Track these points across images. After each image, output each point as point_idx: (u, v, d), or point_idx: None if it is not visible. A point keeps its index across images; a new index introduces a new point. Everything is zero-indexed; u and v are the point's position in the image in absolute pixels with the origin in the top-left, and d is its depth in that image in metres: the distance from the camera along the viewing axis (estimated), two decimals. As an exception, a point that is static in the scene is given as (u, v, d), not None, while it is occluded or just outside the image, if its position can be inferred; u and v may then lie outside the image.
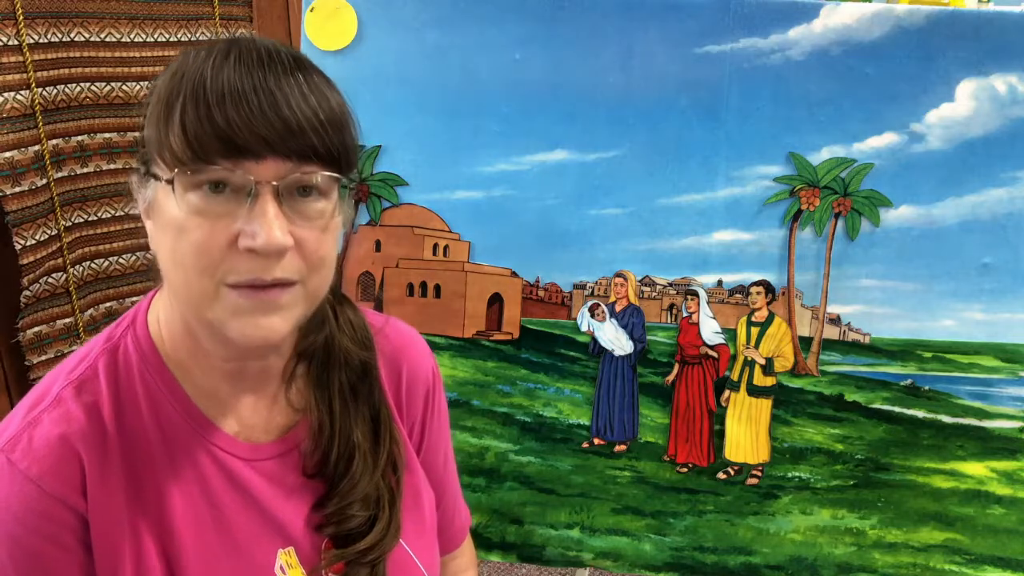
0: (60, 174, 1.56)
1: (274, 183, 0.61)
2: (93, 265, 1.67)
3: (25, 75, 1.45)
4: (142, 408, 0.70)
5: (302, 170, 0.62)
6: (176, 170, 0.61)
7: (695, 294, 1.24)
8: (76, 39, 1.54)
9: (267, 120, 0.60)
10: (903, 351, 1.22)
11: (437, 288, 1.26)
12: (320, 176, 0.63)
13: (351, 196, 0.70)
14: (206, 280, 0.62)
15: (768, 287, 1.22)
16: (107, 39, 1.59)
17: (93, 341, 0.74)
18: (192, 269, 0.62)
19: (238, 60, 0.61)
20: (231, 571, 0.71)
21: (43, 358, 1.58)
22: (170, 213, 0.62)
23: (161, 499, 0.69)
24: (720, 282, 1.23)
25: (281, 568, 0.74)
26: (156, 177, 0.63)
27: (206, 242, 0.61)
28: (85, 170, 1.61)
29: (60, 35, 1.51)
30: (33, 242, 1.50)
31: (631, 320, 1.25)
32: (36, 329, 1.56)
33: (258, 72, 0.61)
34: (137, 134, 0.68)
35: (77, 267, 1.63)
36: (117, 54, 1.61)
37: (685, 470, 1.27)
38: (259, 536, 0.73)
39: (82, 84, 1.57)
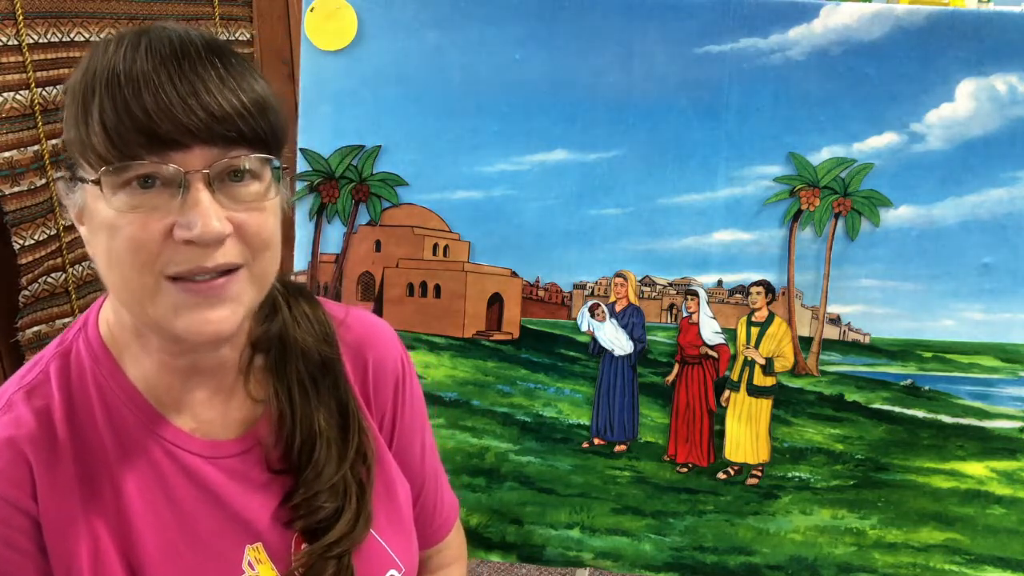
0: (60, 174, 1.56)
1: (204, 171, 0.60)
2: (93, 265, 1.67)
3: (25, 75, 1.45)
4: (95, 409, 0.70)
5: (230, 155, 0.61)
6: (102, 169, 0.59)
7: (695, 294, 1.24)
8: (76, 39, 1.54)
9: (188, 108, 0.58)
10: (903, 351, 1.22)
11: (437, 288, 1.26)
12: (250, 159, 0.62)
13: (286, 176, 0.68)
14: (145, 275, 0.61)
15: (768, 287, 1.22)
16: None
17: (48, 347, 0.74)
18: (129, 266, 0.61)
19: (149, 50, 0.60)
20: (196, 568, 0.71)
21: (43, 358, 1.58)
22: (102, 214, 0.61)
23: (118, 499, 0.69)
24: (720, 282, 1.23)
25: (250, 564, 0.73)
26: (83, 180, 0.62)
27: (141, 236, 0.60)
28: (85, 170, 1.61)
29: (60, 35, 1.51)
30: (32, 242, 1.50)
31: (631, 320, 1.25)
32: (35, 329, 1.56)
33: (172, 61, 0.59)
34: None
35: (76, 267, 1.62)
36: (117, 54, 1.60)
37: (685, 470, 1.27)
38: (224, 532, 0.72)
39: (82, 84, 1.56)
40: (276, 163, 0.65)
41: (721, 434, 1.26)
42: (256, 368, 0.77)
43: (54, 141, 1.54)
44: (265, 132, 0.63)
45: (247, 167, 0.63)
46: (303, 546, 0.76)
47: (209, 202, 0.60)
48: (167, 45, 0.60)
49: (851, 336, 1.22)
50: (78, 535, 0.67)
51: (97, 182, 0.60)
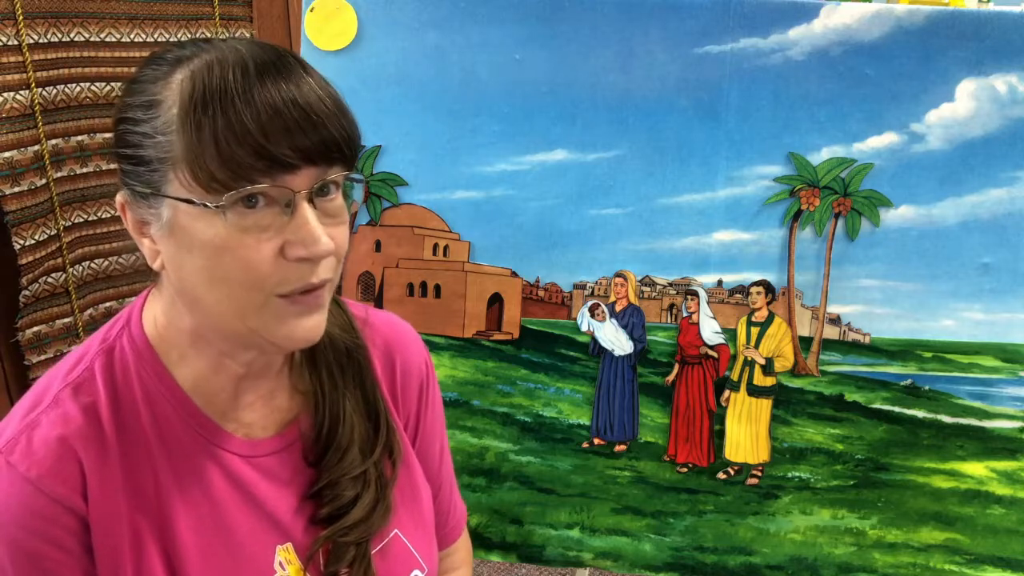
0: (60, 174, 1.56)
1: (310, 190, 0.62)
2: (93, 265, 1.67)
3: (25, 75, 1.45)
4: (140, 408, 0.70)
5: (328, 174, 0.63)
6: (227, 195, 0.60)
7: (695, 294, 1.24)
8: (76, 39, 1.54)
9: (304, 134, 0.60)
10: (903, 351, 1.21)
11: (437, 288, 1.26)
12: (340, 176, 0.65)
13: (362, 186, 0.71)
14: (255, 293, 0.63)
15: (768, 287, 1.22)
16: (107, 39, 1.59)
17: (89, 342, 0.74)
18: (240, 285, 0.62)
19: (259, 72, 0.60)
20: (232, 569, 0.71)
21: (42, 358, 1.58)
22: (204, 234, 0.61)
23: (161, 499, 0.69)
24: (720, 282, 1.23)
25: (280, 564, 0.74)
26: (189, 201, 0.61)
27: (254, 258, 0.62)
28: (85, 170, 1.61)
29: (60, 35, 1.51)
30: (32, 242, 1.50)
31: (631, 320, 1.25)
32: (35, 329, 1.56)
33: (282, 83, 0.61)
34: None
35: (77, 267, 1.63)
36: (117, 54, 1.61)
37: (685, 470, 1.27)
38: (258, 533, 0.73)
39: (82, 84, 1.56)
40: (360, 178, 0.68)
41: (721, 434, 1.26)
42: (295, 363, 0.79)
43: (54, 141, 1.54)
44: (355, 147, 0.66)
45: (337, 181, 0.65)
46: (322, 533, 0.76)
47: (316, 220, 0.62)
48: (270, 65, 0.61)
49: (851, 336, 1.22)
50: (123, 535, 0.67)
51: (220, 206, 0.60)
